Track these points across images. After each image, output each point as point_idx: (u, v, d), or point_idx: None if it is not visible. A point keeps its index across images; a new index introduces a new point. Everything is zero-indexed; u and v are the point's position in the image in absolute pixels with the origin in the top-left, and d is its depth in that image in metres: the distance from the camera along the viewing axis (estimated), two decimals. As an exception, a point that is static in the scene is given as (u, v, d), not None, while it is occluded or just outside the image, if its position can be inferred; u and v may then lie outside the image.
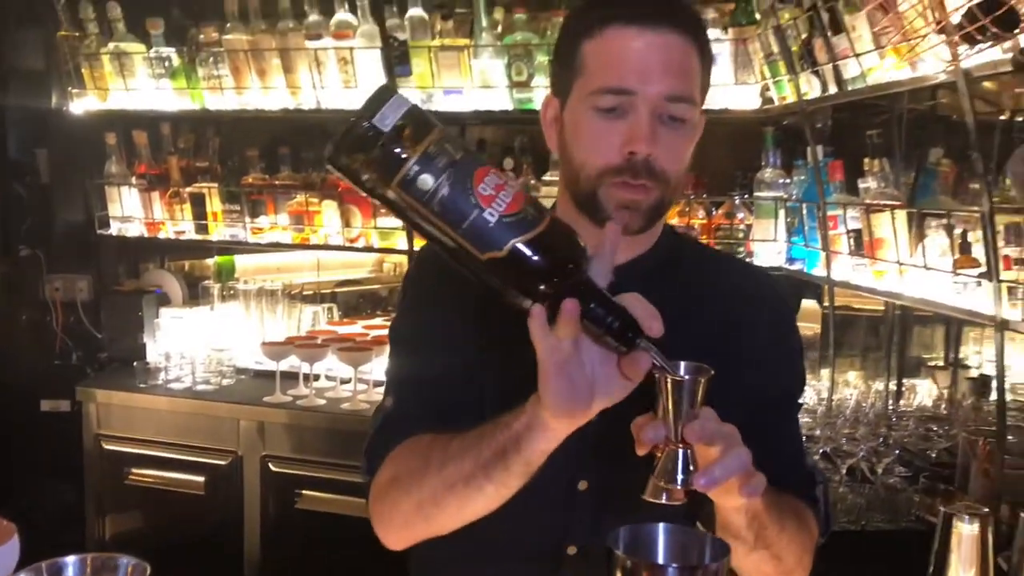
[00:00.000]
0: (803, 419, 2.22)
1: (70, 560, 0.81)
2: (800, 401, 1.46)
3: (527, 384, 1.00)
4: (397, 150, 0.90)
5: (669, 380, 0.95)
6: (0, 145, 3.46)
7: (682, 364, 0.96)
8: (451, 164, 0.90)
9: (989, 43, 1.46)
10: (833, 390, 2.65)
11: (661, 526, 0.93)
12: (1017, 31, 1.42)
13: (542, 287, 0.93)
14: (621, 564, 0.87)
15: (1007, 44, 1.60)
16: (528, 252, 0.91)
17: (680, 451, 0.96)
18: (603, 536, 0.95)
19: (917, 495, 2.16)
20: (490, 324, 1.22)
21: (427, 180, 0.89)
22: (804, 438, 1.68)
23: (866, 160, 2.39)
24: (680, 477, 0.96)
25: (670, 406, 0.96)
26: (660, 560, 0.90)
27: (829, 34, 2.21)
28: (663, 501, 0.96)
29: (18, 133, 3.49)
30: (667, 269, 1.32)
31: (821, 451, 2.20)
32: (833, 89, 2.31)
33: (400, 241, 3.14)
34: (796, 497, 1.25)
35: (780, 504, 1.16)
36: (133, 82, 3.29)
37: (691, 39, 1.23)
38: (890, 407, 2.48)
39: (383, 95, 0.91)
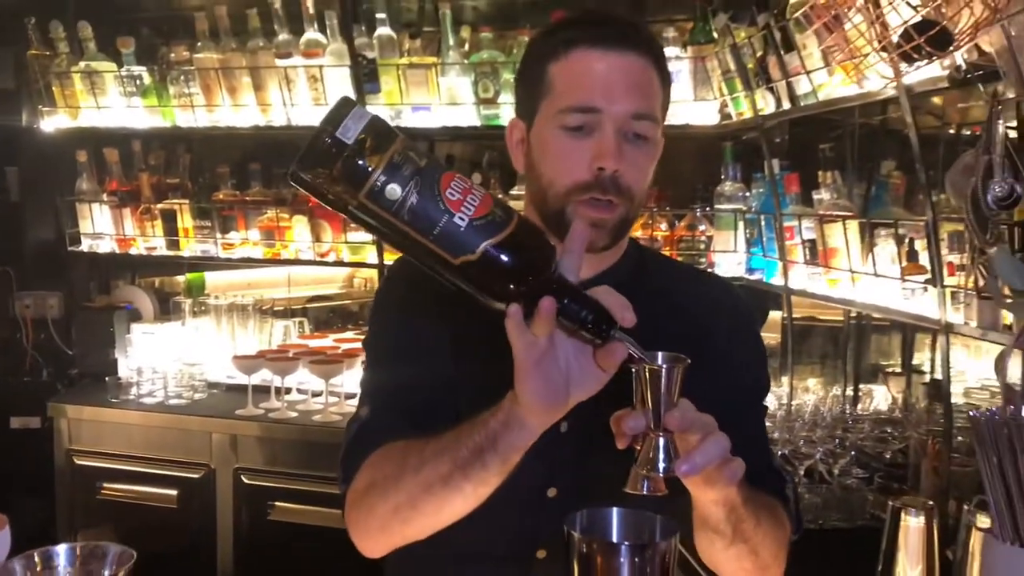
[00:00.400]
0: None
1: (60, 548, 0.86)
2: (765, 404, 1.51)
3: (503, 388, 1.04)
4: (362, 162, 0.90)
5: (648, 370, 0.97)
6: (-30, 164, 3.48)
7: (659, 354, 0.98)
8: (417, 172, 0.91)
9: (925, 61, 1.55)
10: (792, 395, 2.73)
11: (615, 510, 0.99)
12: (951, 49, 1.51)
13: (516, 287, 0.95)
14: (578, 544, 0.93)
15: (946, 61, 1.70)
16: (500, 253, 0.93)
17: (661, 439, 0.99)
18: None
19: (872, 494, 2.24)
20: (463, 332, 1.28)
21: (395, 190, 0.90)
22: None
23: (820, 173, 2.48)
24: (662, 465, 0.98)
25: (649, 395, 0.98)
26: (614, 539, 0.96)
27: (782, 52, 2.31)
28: (644, 492, 0.99)
29: (-11, 151, 3.52)
30: (634, 281, 1.36)
31: (780, 453, 2.27)
32: (787, 105, 2.40)
33: (370, 255, 3.20)
34: (768, 495, 1.29)
35: (755, 499, 1.20)
36: (104, 100, 3.32)
37: (652, 61, 1.29)
38: (847, 411, 2.57)
39: (343, 108, 0.91)
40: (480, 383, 1.11)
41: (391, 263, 2.60)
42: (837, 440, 2.30)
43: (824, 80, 2.18)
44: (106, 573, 0.88)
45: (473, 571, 1.35)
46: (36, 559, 0.85)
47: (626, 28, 1.30)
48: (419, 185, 0.91)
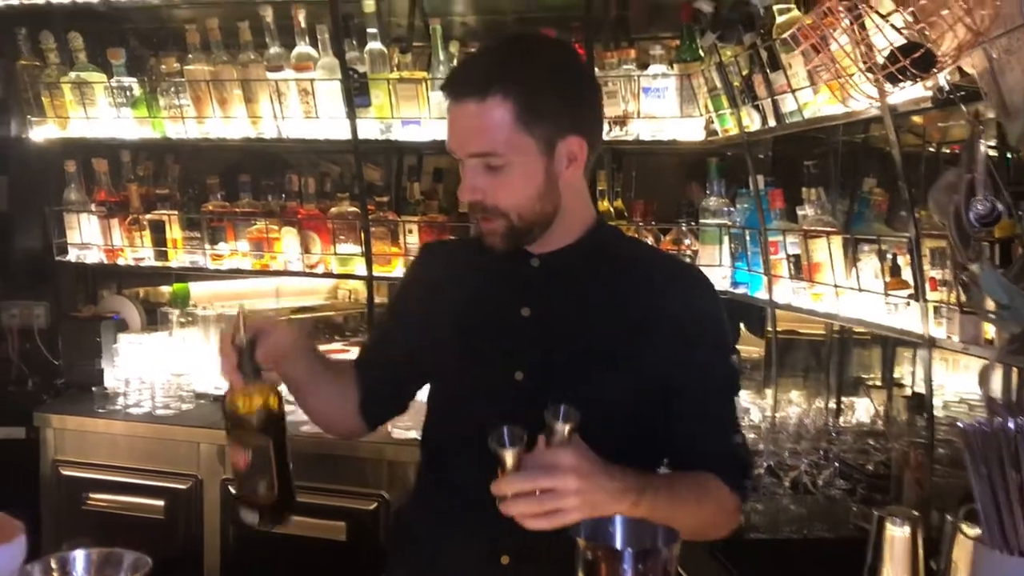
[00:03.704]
0: (748, 435, 2.32)
1: (77, 554, 0.87)
2: (734, 389, 1.58)
3: (465, 355, 1.54)
4: None
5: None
6: (-41, 173, 3.46)
7: (558, 408, 1.18)
8: None
9: (910, 82, 1.59)
10: (776, 408, 2.77)
11: (618, 518, 1.02)
12: (934, 71, 1.56)
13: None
14: (583, 551, 0.95)
15: (930, 82, 1.74)
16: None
17: None
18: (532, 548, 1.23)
19: (855, 505, 2.27)
20: (440, 310, 1.60)
21: None
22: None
23: (804, 189, 2.53)
24: None
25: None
26: (618, 546, 0.99)
27: (768, 71, 2.36)
28: None
29: (-23, 161, 3.50)
30: (595, 252, 1.55)
31: (765, 465, 2.31)
32: (772, 122, 2.45)
33: (359, 267, 3.21)
34: (711, 473, 1.44)
35: (677, 484, 1.39)
36: (93, 110, 3.33)
37: (494, 95, 1.41)
38: (830, 423, 2.61)
39: None
40: (448, 349, 1.57)
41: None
42: (821, 452, 2.34)
43: (809, 99, 2.23)
44: (122, 579, 0.89)
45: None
46: (52, 564, 0.87)
47: (468, 74, 1.48)
48: None
